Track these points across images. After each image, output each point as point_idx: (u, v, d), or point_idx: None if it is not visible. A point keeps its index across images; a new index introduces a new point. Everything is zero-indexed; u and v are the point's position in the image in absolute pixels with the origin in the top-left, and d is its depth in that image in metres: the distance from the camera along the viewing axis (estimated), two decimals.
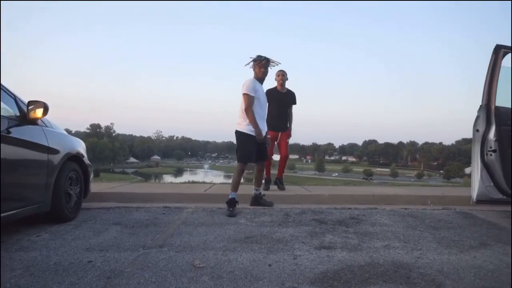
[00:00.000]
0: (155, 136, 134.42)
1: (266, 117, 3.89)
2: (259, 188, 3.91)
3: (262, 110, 3.76)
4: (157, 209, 3.69)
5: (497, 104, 3.22)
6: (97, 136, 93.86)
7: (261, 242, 2.55)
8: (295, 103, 4.93)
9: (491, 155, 3.19)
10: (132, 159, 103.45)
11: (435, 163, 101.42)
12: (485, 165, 3.20)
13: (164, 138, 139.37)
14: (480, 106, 3.30)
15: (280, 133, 4.83)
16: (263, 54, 3.75)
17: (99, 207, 3.73)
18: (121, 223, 3.10)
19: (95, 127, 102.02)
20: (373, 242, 2.58)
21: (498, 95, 3.17)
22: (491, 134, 3.22)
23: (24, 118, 2.69)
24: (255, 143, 3.66)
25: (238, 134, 3.72)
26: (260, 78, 3.74)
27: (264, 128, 3.77)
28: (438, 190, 5.10)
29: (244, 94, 3.61)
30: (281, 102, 4.80)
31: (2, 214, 2.38)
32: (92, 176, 3.78)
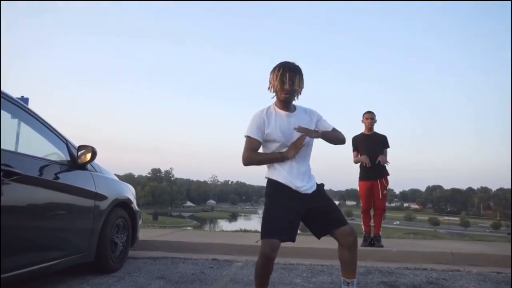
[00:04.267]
0: (211, 181, 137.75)
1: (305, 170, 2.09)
2: (352, 279, 2.03)
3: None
4: (205, 262, 3.41)
5: None
6: (157, 180, 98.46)
7: None
8: (387, 146, 4.40)
9: None
10: (188, 203, 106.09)
11: None
12: None
13: (219, 183, 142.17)
14: None
15: (376, 182, 4.25)
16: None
17: (145, 257, 3.55)
18: (165, 277, 2.85)
19: (155, 171, 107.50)
20: None
21: None
22: None
23: (74, 162, 2.66)
24: (291, 199, 1.99)
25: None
26: (282, 101, 2.05)
27: (303, 186, 2.02)
28: None
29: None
30: (370, 145, 4.29)
31: (45, 264, 2.28)
32: (140, 222, 3.64)
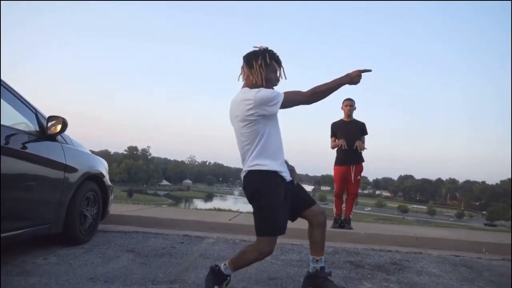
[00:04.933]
0: (189, 161, 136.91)
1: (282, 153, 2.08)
2: (321, 257, 2.09)
3: (277, 140, 2.02)
4: (176, 237, 3.41)
5: None
6: (134, 158, 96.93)
7: (286, 286, 2.20)
8: (365, 133, 4.45)
9: None
10: (165, 182, 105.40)
11: (477, 203, 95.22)
12: None
13: (197, 163, 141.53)
14: None
15: (351, 167, 4.33)
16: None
17: (116, 231, 3.52)
18: (135, 250, 2.85)
19: (132, 149, 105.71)
20: None
21: None
22: None
23: (43, 133, 2.58)
24: (283, 191, 1.97)
25: (251, 177, 1.96)
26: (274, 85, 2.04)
27: (284, 170, 2.01)
28: (495, 236, 4.47)
29: (272, 100, 1.88)
30: (349, 132, 4.34)
31: (9, 233, 2.21)
32: (112, 197, 3.59)
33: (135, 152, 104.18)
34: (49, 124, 2.61)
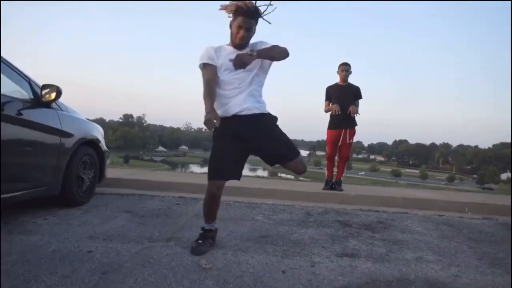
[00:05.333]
0: (185, 127, 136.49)
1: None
2: None
3: (227, 87, 2.04)
4: (172, 199, 3.53)
5: None
6: (129, 126, 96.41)
7: (276, 244, 2.32)
8: (360, 97, 4.47)
9: None
10: (161, 148, 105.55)
11: (469, 167, 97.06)
12: None
13: (193, 130, 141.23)
14: None
15: (343, 131, 4.38)
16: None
17: (113, 193, 3.61)
18: (132, 211, 2.95)
19: (127, 117, 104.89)
20: (403, 253, 2.28)
21: None
22: None
23: (37, 101, 2.60)
24: (234, 138, 2.02)
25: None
26: (236, 44, 2.05)
27: (242, 109, 2.02)
28: (476, 197, 4.65)
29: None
30: (343, 95, 4.37)
31: (8, 195, 2.29)
32: (108, 162, 3.67)
33: (130, 120, 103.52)
34: (43, 92, 2.64)
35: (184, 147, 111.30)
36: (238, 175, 2.09)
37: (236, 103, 2.01)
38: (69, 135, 2.85)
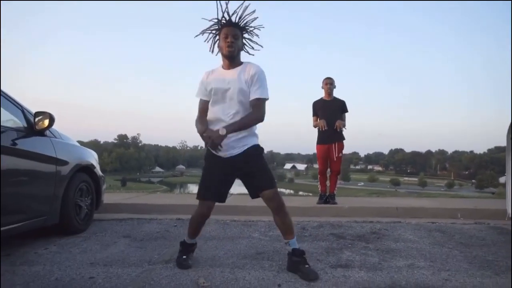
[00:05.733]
0: (180, 146, 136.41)
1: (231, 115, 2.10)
2: (288, 240, 2.15)
3: (221, 107, 2.12)
4: (170, 221, 3.59)
5: None
6: (124, 147, 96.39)
7: (272, 259, 2.38)
8: (346, 111, 4.57)
9: None
10: (157, 169, 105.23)
11: (466, 172, 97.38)
12: None
13: (188, 148, 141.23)
14: None
15: (332, 145, 4.46)
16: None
17: (111, 219, 3.67)
18: (131, 235, 3.01)
19: (122, 137, 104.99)
20: (395, 261, 2.35)
21: None
22: None
23: (31, 129, 2.67)
24: (222, 163, 2.13)
25: None
26: (226, 55, 2.11)
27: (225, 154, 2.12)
28: (469, 202, 4.75)
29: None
30: (329, 111, 4.47)
31: (7, 227, 2.34)
32: (105, 187, 3.73)
33: (125, 140, 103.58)
34: (37, 119, 2.70)
35: (181, 167, 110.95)
36: (223, 198, 2.17)
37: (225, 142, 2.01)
38: (64, 162, 2.91)
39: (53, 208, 2.77)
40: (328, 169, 4.61)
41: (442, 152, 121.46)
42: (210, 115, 2.17)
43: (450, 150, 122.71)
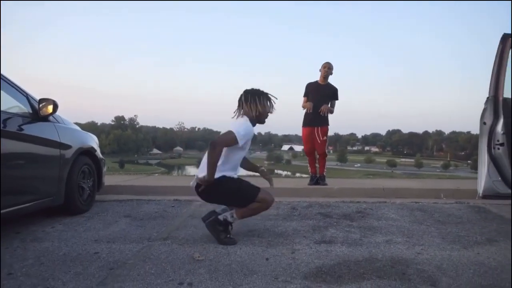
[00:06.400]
0: (178, 128, 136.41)
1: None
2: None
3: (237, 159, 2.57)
4: (167, 202, 3.79)
5: (505, 96, 3.11)
6: (121, 128, 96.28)
7: (262, 236, 2.59)
8: (336, 99, 4.70)
9: (498, 148, 3.09)
10: (155, 151, 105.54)
11: (463, 153, 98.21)
12: (492, 159, 3.11)
13: (186, 130, 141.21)
14: (487, 98, 3.19)
15: (315, 129, 4.63)
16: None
17: (112, 200, 3.87)
18: (131, 215, 3.21)
19: (119, 119, 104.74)
20: (375, 237, 2.57)
21: (506, 87, 3.05)
22: (499, 127, 3.11)
23: (36, 115, 2.82)
24: None
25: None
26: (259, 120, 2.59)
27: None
28: (453, 183, 4.97)
29: (231, 133, 2.40)
30: (319, 95, 4.61)
31: (18, 207, 2.53)
32: (105, 169, 3.91)
33: (122, 122, 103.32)
34: (41, 105, 2.85)
35: (178, 148, 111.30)
36: None
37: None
38: (68, 146, 3.08)
39: (59, 189, 2.95)
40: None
41: (439, 133, 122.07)
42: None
43: (447, 131, 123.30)
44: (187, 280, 1.81)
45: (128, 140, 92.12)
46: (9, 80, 2.71)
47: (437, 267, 2.00)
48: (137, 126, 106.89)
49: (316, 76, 4.77)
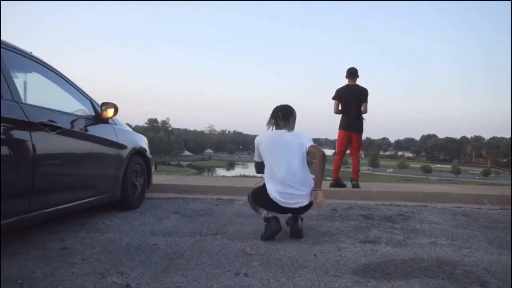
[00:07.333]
0: (208, 130, 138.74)
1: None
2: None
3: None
4: (211, 201, 3.97)
5: None
6: (154, 130, 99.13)
7: (307, 234, 2.70)
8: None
9: None
10: (186, 153, 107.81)
11: (505, 160, 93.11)
12: None
13: (216, 132, 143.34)
14: None
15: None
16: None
17: (160, 197, 4.11)
18: (180, 212, 3.41)
19: (152, 121, 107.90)
20: (419, 239, 2.61)
21: None
22: None
23: (98, 117, 3.08)
24: None
25: None
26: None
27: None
28: (498, 189, 4.84)
29: (314, 144, 2.71)
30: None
31: (84, 201, 2.79)
32: (154, 168, 4.16)
33: (155, 124, 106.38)
34: (103, 108, 3.11)
35: (209, 151, 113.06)
36: None
37: None
38: (124, 146, 3.34)
39: (116, 186, 3.20)
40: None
41: (478, 139, 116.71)
42: None
43: (487, 136, 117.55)
44: (243, 271, 1.94)
45: (161, 142, 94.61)
46: (75, 85, 2.98)
47: (485, 270, 2.03)
48: (170, 128, 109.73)
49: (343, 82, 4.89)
